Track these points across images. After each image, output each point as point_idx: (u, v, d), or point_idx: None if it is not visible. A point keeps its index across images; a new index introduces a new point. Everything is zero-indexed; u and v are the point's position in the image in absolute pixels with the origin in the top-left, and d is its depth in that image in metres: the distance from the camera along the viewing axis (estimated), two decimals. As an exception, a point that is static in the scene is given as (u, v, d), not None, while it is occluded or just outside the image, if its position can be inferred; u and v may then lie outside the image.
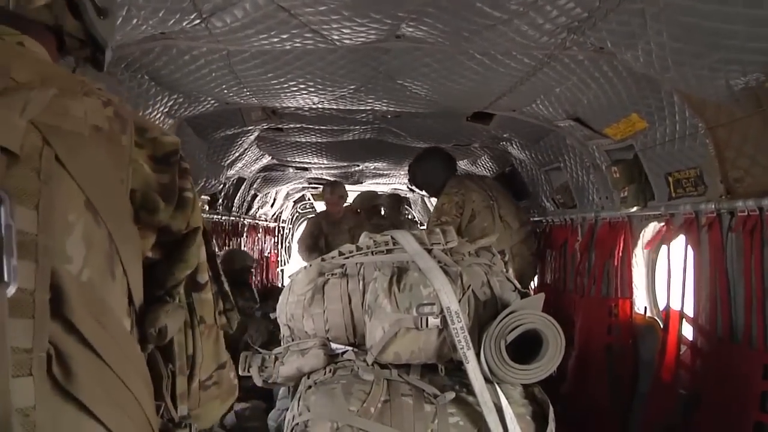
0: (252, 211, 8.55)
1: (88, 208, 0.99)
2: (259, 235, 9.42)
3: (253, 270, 6.45)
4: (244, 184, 7.24)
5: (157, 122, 3.59)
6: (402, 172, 7.61)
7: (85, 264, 0.97)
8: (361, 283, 2.61)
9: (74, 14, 1.20)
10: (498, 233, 4.77)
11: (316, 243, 6.65)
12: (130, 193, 1.08)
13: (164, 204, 1.12)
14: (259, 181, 7.88)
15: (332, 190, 6.85)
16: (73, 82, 1.08)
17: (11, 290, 0.86)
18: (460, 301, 2.42)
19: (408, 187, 6.45)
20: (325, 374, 2.50)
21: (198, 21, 2.40)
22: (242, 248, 7.77)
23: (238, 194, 7.30)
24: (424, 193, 6.69)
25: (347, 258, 2.74)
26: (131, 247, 1.07)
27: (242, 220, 8.07)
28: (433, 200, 9.81)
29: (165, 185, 1.14)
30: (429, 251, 2.64)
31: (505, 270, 2.75)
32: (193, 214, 1.18)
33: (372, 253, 2.74)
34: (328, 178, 8.47)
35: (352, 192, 10.25)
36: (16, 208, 0.89)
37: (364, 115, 4.43)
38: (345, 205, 7.14)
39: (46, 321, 0.90)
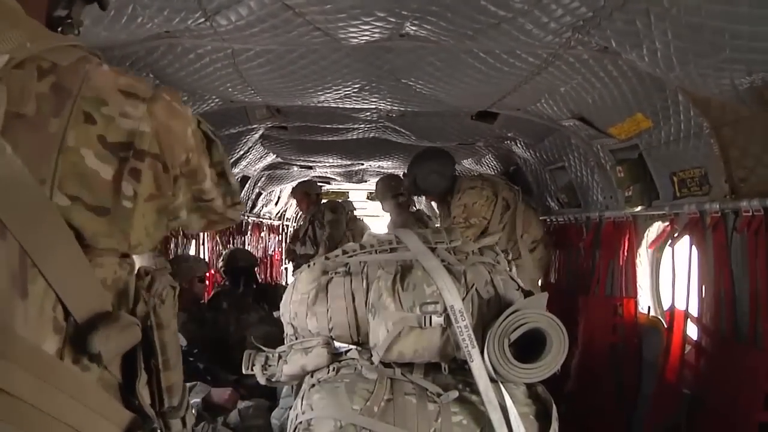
0: (256, 210, 8.56)
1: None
2: (263, 233, 9.44)
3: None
4: (249, 182, 7.25)
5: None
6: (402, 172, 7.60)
7: None
8: (364, 281, 2.60)
9: None
10: (533, 224, 4.76)
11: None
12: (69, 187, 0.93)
13: (91, 214, 0.95)
14: (263, 179, 7.89)
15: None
16: (18, 45, 0.90)
17: None
18: (463, 300, 2.42)
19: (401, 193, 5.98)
20: (328, 373, 2.50)
21: (203, 19, 2.40)
22: (246, 246, 7.78)
23: (243, 192, 7.30)
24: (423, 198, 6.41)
25: (351, 256, 2.74)
26: (61, 254, 0.93)
27: (246, 218, 8.08)
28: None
29: (101, 185, 0.96)
30: (433, 250, 2.64)
31: (508, 269, 2.75)
32: (133, 230, 1.00)
33: (376, 251, 2.74)
34: (333, 176, 8.48)
35: (353, 191, 10.30)
36: None
37: (368, 113, 4.43)
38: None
39: None
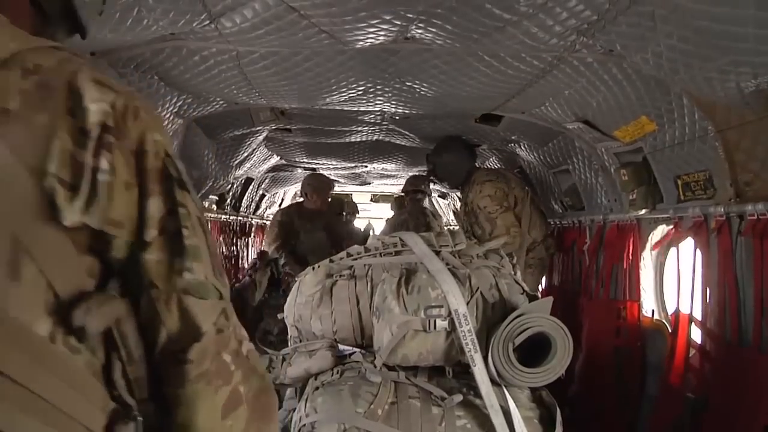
0: (260, 211, 8.57)
1: None
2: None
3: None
4: (252, 184, 7.26)
5: (165, 122, 3.61)
6: (410, 173, 7.61)
7: None
8: (369, 284, 2.60)
9: None
10: (537, 226, 4.77)
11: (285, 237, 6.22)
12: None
13: (66, 192, 0.97)
14: (267, 181, 7.90)
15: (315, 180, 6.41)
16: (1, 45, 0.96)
17: None
18: (468, 304, 2.42)
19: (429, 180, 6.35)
20: (332, 375, 2.50)
21: (208, 22, 2.41)
22: (249, 248, 7.78)
23: (246, 194, 7.31)
24: (444, 186, 6.54)
25: (355, 259, 2.74)
26: (50, 239, 0.98)
27: (250, 220, 8.09)
28: (442, 201, 9.87)
29: (75, 166, 0.98)
30: (437, 253, 2.64)
31: (513, 272, 2.74)
32: (112, 205, 1.01)
33: (380, 254, 2.74)
34: (336, 178, 8.49)
35: (357, 194, 10.31)
36: None
37: (372, 116, 4.43)
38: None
39: None
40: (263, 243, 6.67)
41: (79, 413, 0.98)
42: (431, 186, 7.41)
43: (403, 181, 7.64)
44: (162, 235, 1.06)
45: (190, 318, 1.07)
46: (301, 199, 6.60)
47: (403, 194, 7.56)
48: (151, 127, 1.09)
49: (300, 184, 7.70)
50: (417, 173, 7.33)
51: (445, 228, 8.61)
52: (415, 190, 6.99)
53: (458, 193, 5.76)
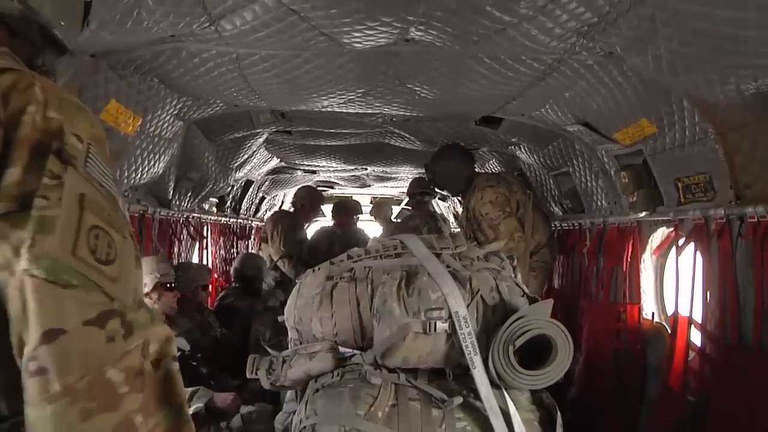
0: (260, 214, 8.57)
1: None
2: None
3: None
4: (252, 186, 7.26)
5: (165, 124, 3.61)
6: (410, 176, 7.60)
7: None
8: (369, 287, 2.60)
9: None
10: (540, 229, 4.77)
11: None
12: None
13: None
14: (267, 183, 7.90)
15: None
16: None
17: None
18: (468, 306, 2.41)
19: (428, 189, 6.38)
20: (332, 378, 2.49)
21: (208, 24, 2.41)
22: (250, 250, 7.78)
23: (246, 196, 7.32)
24: (445, 193, 6.57)
25: (356, 262, 2.74)
26: None
27: (250, 222, 8.08)
28: (442, 204, 9.87)
29: None
30: (438, 255, 2.64)
31: (513, 275, 2.74)
32: None
33: (381, 257, 2.74)
34: (336, 181, 8.48)
35: (357, 196, 10.29)
36: None
37: (372, 118, 4.43)
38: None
39: None
40: (271, 248, 6.69)
41: None
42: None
43: (402, 184, 7.63)
44: (17, 209, 0.92)
45: (37, 308, 0.87)
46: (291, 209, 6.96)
47: (408, 197, 7.52)
48: (43, 104, 0.99)
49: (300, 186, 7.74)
50: (420, 176, 7.29)
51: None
52: (422, 192, 6.92)
53: (459, 197, 5.75)
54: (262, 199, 8.32)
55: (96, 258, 0.94)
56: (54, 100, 1.01)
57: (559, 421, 2.36)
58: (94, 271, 0.92)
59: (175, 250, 5.06)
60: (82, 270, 0.91)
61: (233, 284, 6.16)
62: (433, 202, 7.52)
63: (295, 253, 6.62)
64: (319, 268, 2.77)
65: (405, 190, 9.54)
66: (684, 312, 3.26)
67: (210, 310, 5.11)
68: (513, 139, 4.76)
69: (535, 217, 4.76)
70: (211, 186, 5.39)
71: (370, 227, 9.11)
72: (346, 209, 7.52)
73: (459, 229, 5.47)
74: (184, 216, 5.19)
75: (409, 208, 7.96)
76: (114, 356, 0.90)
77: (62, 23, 1.23)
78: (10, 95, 0.97)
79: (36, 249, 0.88)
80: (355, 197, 10.30)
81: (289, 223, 6.78)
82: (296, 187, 7.93)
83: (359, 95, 3.56)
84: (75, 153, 0.99)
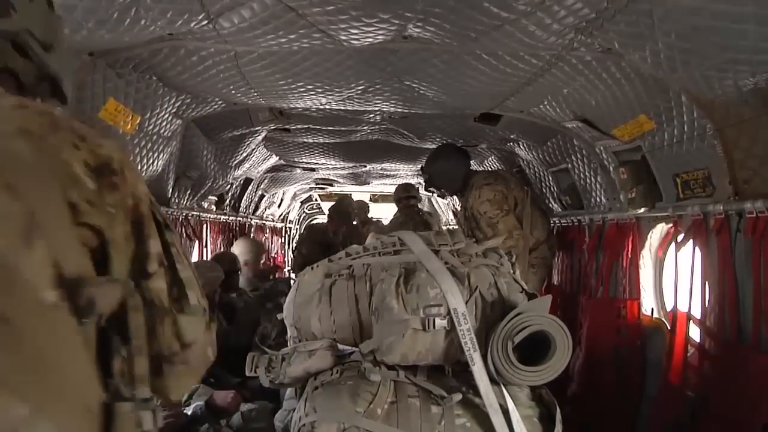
0: (259, 212, 8.56)
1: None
2: (266, 235, 9.44)
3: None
4: (252, 184, 7.25)
5: (164, 122, 3.62)
6: (409, 173, 7.60)
7: None
8: (368, 284, 2.59)
9: (22, 54, 1.26)
10: (539, 226, 4.76)
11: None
12: None
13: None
14: (266, 181, 7.89)
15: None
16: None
17: None
18: (467, 302, 2.41)
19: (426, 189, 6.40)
20: (332, 375, 2.49)
21: (206, 22, 2.41)
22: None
23: (246, 195, 7.31)
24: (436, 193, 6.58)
25: (354, 259, 2.74)
26: (60, 222, 1.07)
27: (249, 220, 8.08)
28: (441, 201, 9.87)
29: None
30: (436, 252, 2.64)
31: (512, 271, 2.74)
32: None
33: (379, 254, 2.74)
34: (336, 179, 8.48)
35: (357, 193, 10.31)
36: None
37: (371, 115, 4.43)
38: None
39: None
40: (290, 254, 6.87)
41: (79, 380, 1.01)
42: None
43: (401, 181, 7.63)
44: (161, 268, 1.24)
45: (181, 332, 1.27)
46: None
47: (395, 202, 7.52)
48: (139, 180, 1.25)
49: (299, 184, 7.75)
50: (405, 182, 7.42)
51: (444, 227, 8.61)
52: (408, 196, 7.02)
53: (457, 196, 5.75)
54: (262, 196, 8.32)
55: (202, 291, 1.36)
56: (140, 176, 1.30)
57: (559, 417, 2.36)
58: (204, 301, 1.34)
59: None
60: (204, 305, 1.32)
61: None
62: (420, 205, 7.55)
63: None
64: (317, 266, 2.77)
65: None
66: (683, 308, 3.27)
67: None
68: (511, 136, 4.76)
69: (534, 214, 4.75)
70: (210, 184, 5.39)
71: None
72: (337, 215, 7.54)
73: (456, 226, 5.46)
74: (184, 214, 5.18)
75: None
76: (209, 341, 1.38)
77: (65, 79, 1.39)
78: (125, 169, 1.18)
79: (188, 300, 1.29)
80: (354, 195, 10.32)
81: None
82: (295, 185, 7.97)
83: (358, 92, 3.56)
84: (167, 220, 1.32)
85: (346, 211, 7.48)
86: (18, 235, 0.99)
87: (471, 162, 5.25)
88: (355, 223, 7.73)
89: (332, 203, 7.72)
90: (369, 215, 8.73)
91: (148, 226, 1.23)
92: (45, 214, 1.04)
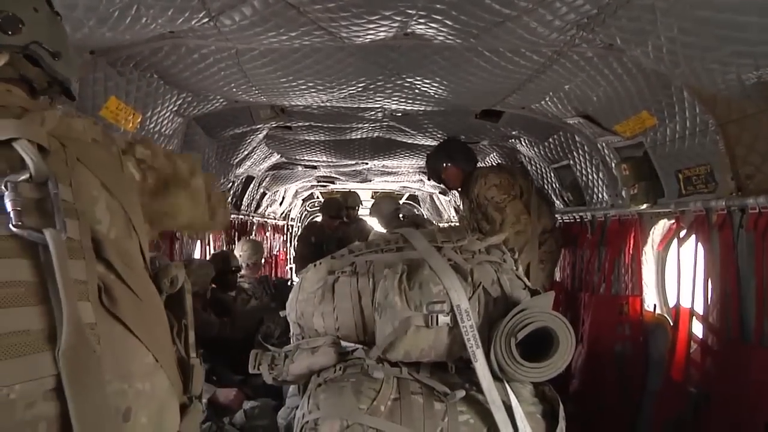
0: (261, 210, 8.56)
1: (103, 187, 1.30)
2: (268, 233, 9.44)
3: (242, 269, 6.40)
4: (253, 182, 7.25)
5: (165, 121, 3.63)
6: (410, 170, 7.59)
7: (111, 225, 1.29)
8: (371, 281, 2.59)
9: (34, 63, 1.44)
10: (544, 215, 4.77)
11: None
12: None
13: None
14: (267, 179, 7.89)
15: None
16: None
17: (64, 236, 1.14)
18: (470, 299, 2.41)
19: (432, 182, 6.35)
20: (335, 372, 2.49)
21: (207, 19, 2.41)
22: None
23: (247, 192, 7.31)
24: (441, 188, 6.56)
25: (357, 256, 2.74)
26: (138, 217, 1.39)
27: (251, 218, 8.08)
28: (443, 198, 9.87)
29: None
30: (439, 249, 2.63)
31: (515, 267, 2.74)
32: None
33: (382, 250, 2.74)
34: (337, 176, 8.47)
35: (358, 191, 10.30)
36: (57, 183, 1.18)
37: (372, 113, 4.43)
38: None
39: (93, 261, 1.20)
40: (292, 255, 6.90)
41: (167, 337, 1.36)
42: (429, 182, 7.44)
43: (403, 178, 7.63)
44: None
45: None
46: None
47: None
48: None
49: (301, 181, 7.76)
50: (389, 196, 7.53)
51: (445, 224, 8.61)
52: (395, 209, 7.08)
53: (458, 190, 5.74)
54: (263, 194, 8.31)
55: None
56: None
57: (562, 413, 2.37)
58: None
59: (177, 246, 5.06)
60: None
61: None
62: (419, 205, 7.60)
63: None
64: (320, 263, 2.76)
65: (406, 184, 9.56)
66: (686, 304, 3.26)
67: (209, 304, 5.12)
68: (513, 132, 4.75)
69: (540, 202, 4.76)
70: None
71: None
72: (328, 208, 7.67)
73: (458, 223, 5.46)
74: (185, 213, 5.17)
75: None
76: None
77: (72, 79, 1.58)
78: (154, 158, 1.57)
79: None
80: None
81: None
82: (296, 182, 7.99)
83: (359, 90, 3.55)
84: None
85: (335, 206, 7.58)
86: (124, 227, 1.33)
87: (475, 157, 5.26)
88: (345, 220, 7.73)
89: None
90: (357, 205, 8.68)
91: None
92: (131, 209, 1.35)
